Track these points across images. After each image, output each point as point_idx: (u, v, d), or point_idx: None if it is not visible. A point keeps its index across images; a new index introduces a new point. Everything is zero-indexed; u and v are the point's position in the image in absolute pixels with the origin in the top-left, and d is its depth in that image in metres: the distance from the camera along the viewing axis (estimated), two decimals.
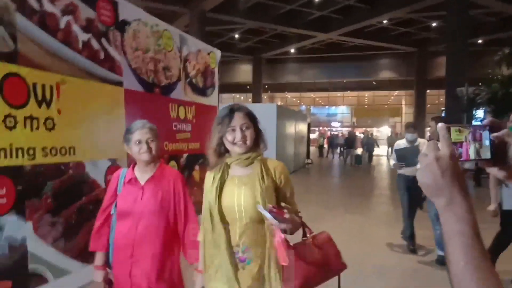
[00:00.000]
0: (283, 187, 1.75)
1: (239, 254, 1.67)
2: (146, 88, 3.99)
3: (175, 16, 22.05)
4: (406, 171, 4.90)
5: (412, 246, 5.06)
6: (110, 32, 3.45)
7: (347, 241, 5.37)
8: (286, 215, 1.53)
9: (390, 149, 22.40)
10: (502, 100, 12.61)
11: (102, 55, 3.35)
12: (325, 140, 24.35)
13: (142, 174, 2.10)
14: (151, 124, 2.13)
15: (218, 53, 5.83)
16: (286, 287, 1.61)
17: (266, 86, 36.18)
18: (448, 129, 0.71)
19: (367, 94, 39.01)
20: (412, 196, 5.07)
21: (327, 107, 42.66)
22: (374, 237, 5.72)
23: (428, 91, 29.61)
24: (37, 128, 2.71)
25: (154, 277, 2.04)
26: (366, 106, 39.77)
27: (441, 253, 4.52)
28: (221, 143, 1.74)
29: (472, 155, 0.72)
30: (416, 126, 5.30)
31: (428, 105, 30.24)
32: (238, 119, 1.70)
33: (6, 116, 2.47)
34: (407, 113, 35.72)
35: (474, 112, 14.44)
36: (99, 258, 2.19)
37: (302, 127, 15.55)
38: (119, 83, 3.56)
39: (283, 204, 1.67)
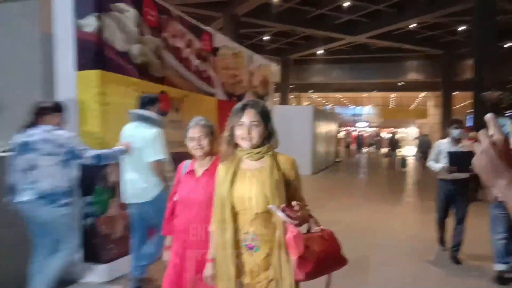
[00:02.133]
0: (294, 180, 1.79)
1: (247, 241, 1.73)
2: (228, 97, 5.19)
3: (210, 20, 23.33)
4: (452, 176, 4.38)
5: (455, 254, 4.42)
6: (209, 57, 4.65)
7: (381, 224, 6.38)
8: (299, 213, 1.59)
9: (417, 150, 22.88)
10: None
11: (205, 75, 4.55)
12: (352, 140, 25.19)
13: (199, 167, 2.22)
14: (205, 122, 2.24)
15: (272, 65, 7.00)
16: (297, 273, 1.65)
17: (291, 86, 37.11)
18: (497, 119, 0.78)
19: (393, 95, 39.41)
20: (453, 202, 4.53)
21: (352, 106, 43.10)
22: (407, 221, 6.69)
23: (455, 93, 29.92)
24: (174, 128, 3.92)
25: (202, 263, 2.08)
26: (392, 107, 40.16)
27: (501, 267, 3.74)
28: (232, 134, 1.78)
29: None
30: (461, 122, 4.75)
31: (455, 107, 30.57)
32: (248, 116, 1.73)
33: None
34: (433, 115, 35.99)
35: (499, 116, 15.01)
36: (169, 241, 2.34)
37: (333, 128, 16.55)
38: (213, 95, 4.76)
39: (294, 203, 1.65)
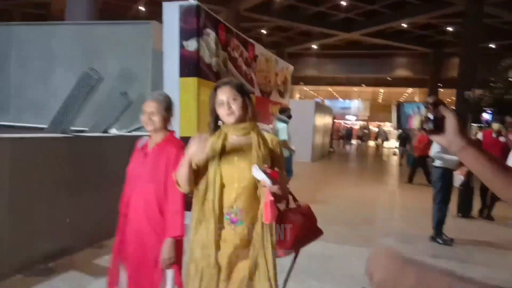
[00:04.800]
0: (278, 157, 1.83)
1: (231, 215, 1.74)
2: (262, 94, 6.44)
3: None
4: (448, 164, 4.84)
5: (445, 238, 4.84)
6: (251, 63, 5.87)
7: (379, 197, 7.76)
8: (279, 178, 1.62)
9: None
10: (505, 103, 14.68)
11: (249, 77, 5.78)
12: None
13: (152, 143, 2.17)
14: (161, 97, 2.19)
15: (291, 67, 8.25)
16: (279, 247, 1.74)
17: None
18: (402, 105, 0.96)
19: (382, 90, 41.05)
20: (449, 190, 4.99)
21: (341, 100, 44.38)
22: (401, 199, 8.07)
23: (441, 90, 31.64)
24: None
25: (144, 239, 2.06)
26: (380, 102, 41.81)
27: None
28: (214, 118, 1.81)
29: (416, 124, 0.92)
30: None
31: None
32: (225, 92, 1.75)
33: None
34: None
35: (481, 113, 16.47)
36: None
37: (328, 120, 17.91)
38: (254, 93, 5.99)
39: (276, 168, 1.71)
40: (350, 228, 5.26)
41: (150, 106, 2.10)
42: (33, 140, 2.92)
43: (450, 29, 25.91)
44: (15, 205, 2.84)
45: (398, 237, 5.01)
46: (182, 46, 4.14)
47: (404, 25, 25.65)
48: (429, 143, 10.12)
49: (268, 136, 1.85)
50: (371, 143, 29.65)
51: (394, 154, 14.94)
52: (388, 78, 37.25)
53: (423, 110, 0.91)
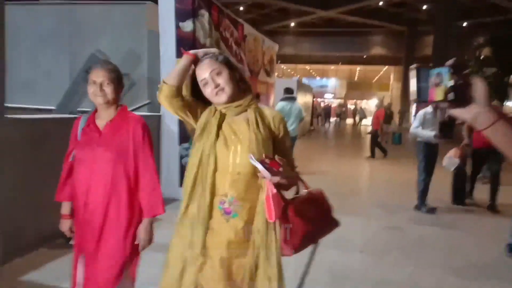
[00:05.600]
0: (282, 137, 1.57)
1: (225, 205, 1.49)
2: (251, 73, 6.58)
3: None
4: (426, 139, 4.99)
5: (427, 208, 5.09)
6: (241, 43, 5.97)
7: (360, 171, 8.14)
8: (281, 168, 1.39)
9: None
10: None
11: (239, 57, 5.89)
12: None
13: (102, 120, 1.91)
14: (112, 65, 1.92)
15: (276, 46, 8.38)
16: (285, 245, 1.48)
17: None
18: (424, 70, 0.74)
19: (358, 68, 41.63)
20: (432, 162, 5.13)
21: (318, 78, 44.76)
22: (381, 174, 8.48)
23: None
24: None
25: (103, 227, 1.88)
26: (356, 80, 42.49)
27: None
28: (201, 97, 1.55)
29: (439, 95, 0.71)
30: None
31: None
32: (206, 68, 1.48)
33: None
34: (395, 88, 38.62)
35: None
36: (65, 208, 2.03)
37: (309, 99, 18.21)
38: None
39: (277, 157, 1.43)
40: (339, 200, 5.50)
41: (100, 75, 1.82)
42: (47, 120, 3.01)
43: (424, 7, 26.39)
44: (35, 182, 2.97)
45: (384, 207, 5.36)
46: (178, 27, 4.22)
47: (380, 3, 25.94)
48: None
49: (269, 112, 1.57)
50: (349, 120, 30.31)
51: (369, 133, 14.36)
52: (364, 56, 37.75)
53: (446, 77, 0.72)
